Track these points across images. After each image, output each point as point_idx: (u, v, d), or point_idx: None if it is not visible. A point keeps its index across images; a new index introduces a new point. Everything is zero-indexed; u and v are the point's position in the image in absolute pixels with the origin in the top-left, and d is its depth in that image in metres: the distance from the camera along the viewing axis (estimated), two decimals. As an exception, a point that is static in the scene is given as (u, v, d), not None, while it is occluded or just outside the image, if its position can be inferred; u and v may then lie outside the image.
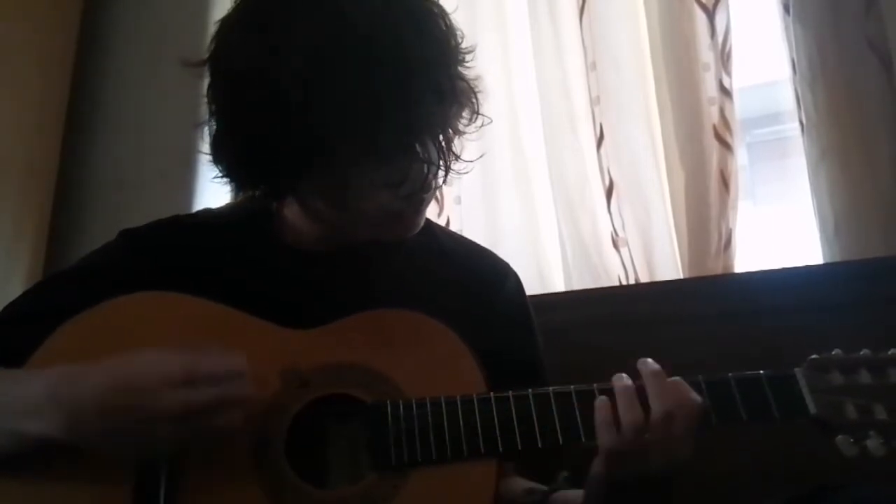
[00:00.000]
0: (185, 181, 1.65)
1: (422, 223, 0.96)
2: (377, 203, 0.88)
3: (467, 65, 0.87)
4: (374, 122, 0.79)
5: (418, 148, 0.83)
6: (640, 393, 0.80)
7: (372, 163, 0.84)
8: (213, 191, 1.58)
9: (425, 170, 0.85)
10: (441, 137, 0.85)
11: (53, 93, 1.74)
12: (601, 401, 0.80)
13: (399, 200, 0.87)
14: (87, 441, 0.77)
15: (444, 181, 0.91)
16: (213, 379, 0.77)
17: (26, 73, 1.66)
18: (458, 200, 1.61)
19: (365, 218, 0.91)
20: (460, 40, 0.87)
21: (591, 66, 1.52)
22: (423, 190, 0.88)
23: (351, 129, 0.80)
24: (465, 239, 1.18)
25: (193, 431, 0.76)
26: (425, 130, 0.83)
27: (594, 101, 1.51)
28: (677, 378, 0.81)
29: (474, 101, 0.88)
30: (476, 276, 1.03)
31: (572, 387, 0.82)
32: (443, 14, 0.86)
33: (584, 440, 0.80)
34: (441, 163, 0.86)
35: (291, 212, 0.97)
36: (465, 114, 0.88)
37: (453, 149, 0.88)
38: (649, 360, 0.82)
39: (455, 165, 0.89)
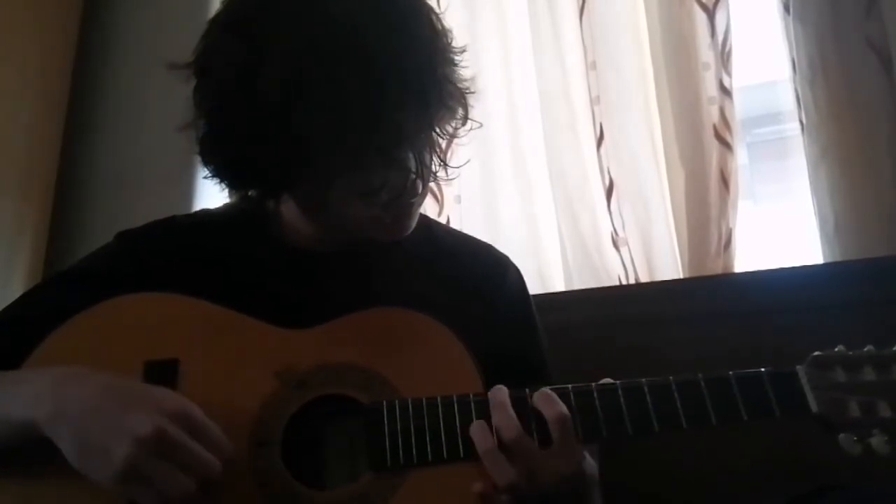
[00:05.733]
0: (185, 181, 1.65)
1: (412, 226, 0.94)
2: (359, 209, 0.87)
3: (460, 66, 0.86)
4: (354, 129, 0.78)
5: (398, 155, 0.82)
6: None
7: (351, 169, 0.83)
8: (212, 190, 1.58)
9: (406, 177, 0.84)
10: (425, 143, 0.84)
11: (54, 93, 1.74)
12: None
13: (380, 207, 0.86)
14: (59, 438, 0.74)
15: (427, 188, 0.90)
16: (199, 433, 0.73)
17: (27, 73, 1.66)
18: (458, 199, 1.61)
19: (352, 222, 0.90)
20: (451, 41, 0.86)
21: (591, 66, 1.52)
22: (406, 196, 0.87)
23: (330, 135, 0.79)
24: (464, 235, 1.18)
25: (144, 468, 0.70)
26: (404, 138, 0.81)
27: (594, 101, 1.51)
28: (544, 390, 0.80)
29: (465, 104, 0.87)
30: (476, 272, 1.03)
31: (570, 386, 0.81)
32: (432, 15, 0.85)
33: (581, 439, 0.79)
34: (423, 170, 0.84)
35: (288, 210, 0.97)
36: (457, 117, 0.87)
37: (439, 153, 0.86)
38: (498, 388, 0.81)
39: (442, 171, 0.88)
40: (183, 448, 0.72)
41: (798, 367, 0.81)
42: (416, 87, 0.79)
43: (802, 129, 1.38)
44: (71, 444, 0.73)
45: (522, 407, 0.79)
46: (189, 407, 0.75)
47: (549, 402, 0.79)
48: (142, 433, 0.70)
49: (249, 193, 0.93)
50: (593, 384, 0.81)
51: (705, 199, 1.39)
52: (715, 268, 1.38)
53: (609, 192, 1.47)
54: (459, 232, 1.22)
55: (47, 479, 0.78)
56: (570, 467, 0.78)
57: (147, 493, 0.71)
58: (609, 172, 1.47)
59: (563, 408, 0.78)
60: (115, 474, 0.70)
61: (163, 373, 0.84)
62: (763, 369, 0.81)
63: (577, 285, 1.49)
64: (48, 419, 0.74)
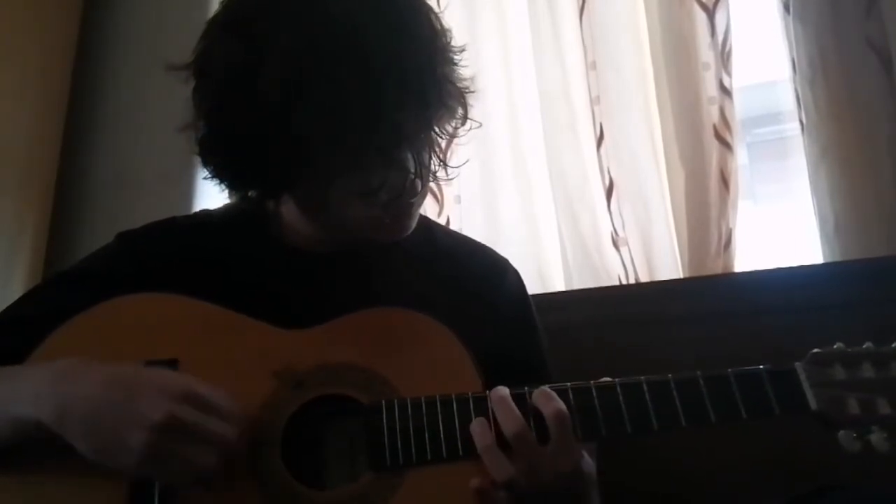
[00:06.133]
0: (185, 181, 1.65)
1: (412, 226, 0.94)
2: (358, 209, 0.87)
3: (460, 65, 0.86)
4: (354, 129, 0.78)
5: (398, 155, 0.82)
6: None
7: (351, 169, 0.83)
8: (212, 190, 1.58)
9: (405, 176, 0.84)
10: (424, 143, 0.84)
11: (54, 93, 1.74)
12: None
13: (379, 207, 0.86)
14: (70, 435, 0.75)
15: (427, 188, 0.90)
16: (208, 407, 0.75)
17: (27, 73, 1.66)
18: (458, 200, 1.60)
19: (352, 222, 0.90)
20: (450, 40, 0.86)
21: (591, 66, 1.52)
22: (406, 196, 0.87)
23: (329, 135, 0.79)
24: (464, 236, 1.18)
25: (165, 451, 0.72)
26: (403, 138, 0.81)
27: (594, 101, 1.51)
28: (543, 387, 0.80)
29: (464, 103, 0.87)
30: (475, 273, 1.03)
31: (569, 384, 0.81)
32: (431, 15, 0.85)
33: (580, 437, 0.79)
34: (422, 170, 0.84)
35: (288, 211, 0.97)
36: (456, 116, 0.87)
37: (438, 153, 0.86)
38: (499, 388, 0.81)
39: (441, 170, 0.88)
40: (196, 425, 0.74)
41: (797, 364, 0.81)
42: (415, 87, 0.79)
43: (802, 129, 1.38)
44: (85, 441, 0.75)
45: (522, 405, 0.79)
46: (192, 384, 0.76)
47: (547, 398, 0.79)
48: (155, 419, 0.72)
49: (249, 194, 0.93)
50: (592, 382, 0.81)
51: (705, 199, 1.39)
52: (715, 268, 1.38)
53: (609, 192, 1.47)
54: (459, 233, 1.23)
55: (47, 475, 0.78)
56: (569, 465, 0.78)
57: (173, 472, 0.75)
58: (609, 172, 1.47)
59: (561, 404, 0.78)
60: (137, 462, 0.73)
61: (162, 373, 0.84)
62: (762, 367, 0.81)
63: (577, 285, 1.49)
64: (55, 418, 0.75)
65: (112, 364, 0.79)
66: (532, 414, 0.79)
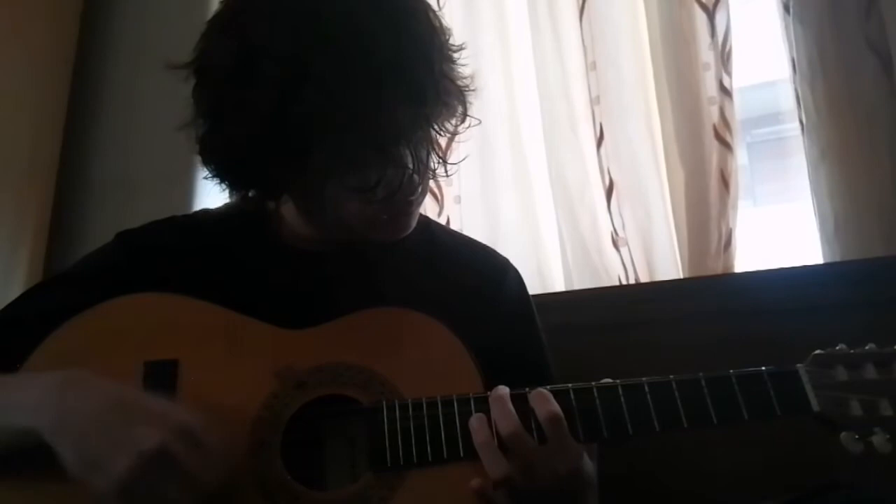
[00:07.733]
0: (185, 181, 1.65)
1: (412, 225, 0.94)
2: (356, 207, 0.87)
3: (459, 63, 0.86)
4: (351, 127, 0.78)
5: (395, 152, 0.82)
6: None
7: (347, 166, 0.83)
8: (212, 190, 1.57)
9: (403, 173, 0.84)
10: (421, 140, 0.84)
11: (54, 92, 1.74)
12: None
13: (375, 206, 0.86)
14: (60, 447, 0.74)
15: (426, 186, 0.90)
16: (203, 450, 0.73)
17: (27, 73, 1.66)
18: (458, 200, 1.60)
19: (350, 220, 0.90)
20: (448, 38, 0.86)
21: (591, 66, 1.51)
22: (403, 193, 0.86)
23: (327, 133, 0.79)
24: (464, 236, 1.18)
25: (144, 483, 0.70)
26: (401, 135, 0.81)
27: (594, 101, 1.51)
28: (540, 389, 0.80)
29: (463, 101, 0.87)
30: (476, 273, 1.03)
31: (570, 385, 0.81)
32: (428, 12, 0.85)
33: (582, 438, 0.79)
34: (420, 167, 0.84)
35: (288, 211, 0.97)
36: (455, 114, 0.87)
37: (436, 151, 0.86)
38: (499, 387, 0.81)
39: (440, 168, 0.88)
40: (184, 464, 0.71)
41: (799, 365, 0.81)
42: (413, 85, 0.79)
43: (802, 129, 1.38)
44: (73, 454, 0.73)
45: (522, 405, 0.79)
46: (192, 421, 0.74)
47: (542, 400, 0.79)
48: (145, 447, 0.70)
49: (249, 194, 0.93)
50: (593, 383, 0.81)
51: (705, 199, 1.40)
52: (715, 268, 1.38)
53: (609, 192, 1.47)
54: (459, 233, 1.23)
55: (48, 484, 0.77)
56: (567, 466, 0.78)
57: None
58: (609, 172, 1.47)
59: (555, 406, 0.78)
60: (115, 485, 0.70)
61: (162, 373, 0.84)
62: (764, 368, 0.81)
63: (577, 285, 1.49)
64: (51, 429, 0.74)
65: (118, 384, 0.78)
66: (532, 414, 0.79)
